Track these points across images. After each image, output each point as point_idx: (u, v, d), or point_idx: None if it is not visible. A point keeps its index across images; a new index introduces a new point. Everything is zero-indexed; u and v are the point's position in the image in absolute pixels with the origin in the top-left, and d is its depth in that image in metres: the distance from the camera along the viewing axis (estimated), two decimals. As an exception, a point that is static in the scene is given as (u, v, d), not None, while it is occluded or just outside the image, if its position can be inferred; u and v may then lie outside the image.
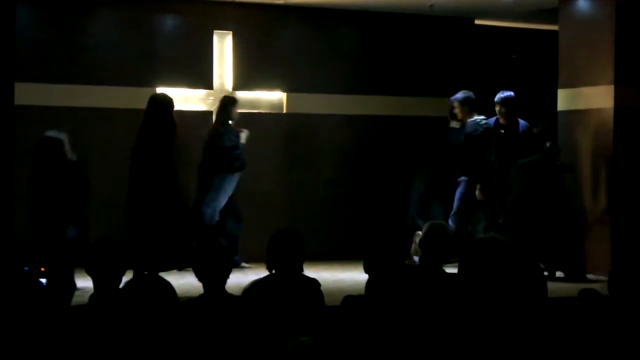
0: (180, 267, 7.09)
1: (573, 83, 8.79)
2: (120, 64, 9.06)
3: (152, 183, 7.25)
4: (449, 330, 3.82)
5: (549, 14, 9.61)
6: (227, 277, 4.32)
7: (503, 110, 8.42)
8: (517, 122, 8.47)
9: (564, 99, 8.84)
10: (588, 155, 8.53)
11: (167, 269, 6.91)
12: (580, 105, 8.67)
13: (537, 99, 10.35)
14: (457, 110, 8.65)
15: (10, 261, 4.90)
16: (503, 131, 8.44)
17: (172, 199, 7.33)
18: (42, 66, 8.88)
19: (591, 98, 8.55)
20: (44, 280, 4.42)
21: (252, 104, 9.52)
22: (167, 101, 7.46)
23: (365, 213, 9.71)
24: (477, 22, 10.42)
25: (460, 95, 8.66)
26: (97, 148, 8.86)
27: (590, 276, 8.07)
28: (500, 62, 11.04)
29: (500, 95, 8.46)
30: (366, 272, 4.59)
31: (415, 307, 4.14)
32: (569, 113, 8.80)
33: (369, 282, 4.20)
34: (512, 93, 8.47)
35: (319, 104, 9.42)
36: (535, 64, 10.99)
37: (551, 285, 7.36)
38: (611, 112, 8.45)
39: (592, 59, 8.65)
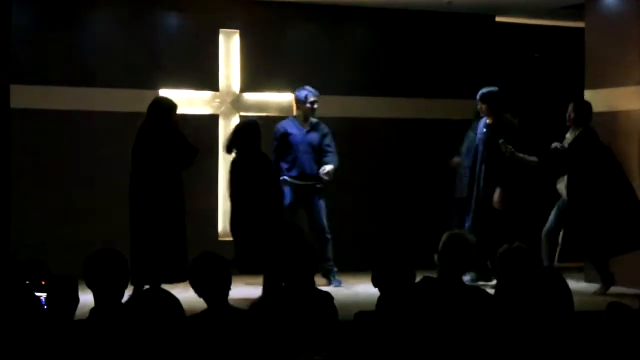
0: (180, 280, 7.07)
1: (600, 83, 8.78)
2: (122, 65, 9.08)
3: (151, 190, 7.35)
4: (469, 345, 3.81)
5: (574, 11, 9.59)
6: (228, 290, 4.29)
7: (483, 107, 8.30)
8: (500, 120, 8.29)
9: (591, 100, 8.81)
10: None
11: (167, 281, 6.92)
12: (608, 107, 8.65)
13: (562, 100, 10.33)
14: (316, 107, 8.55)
15: (8, 274, 4.92)
16: (485, 130, 8.37)
17: (172, 207, 7.38)
18: (40, 68, 8.91)
19: (619, 99, 8.54)
20: (44, 294, 4.44)
21: (259, 106, 9.53)
22: (168, 104, 7.52)
23: (380, 222, 9.72)
24: (497, 19, 10.42)
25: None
26: (98, 152, 8.90)
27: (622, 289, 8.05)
28: (522, 62, 11.02)
29: (480, 91, 8.35)
30: (375, 286, 4.57)
31: (433, 321, 4.14)
32: (595, 115, 8.76)
33: (380, 297, 4.19)
34: (495, 88, 8.35)
35: (330, 106, 9.40)
36: (559, 64, 10.97)
37: (579, 299, 7.38)
38: (640, 115, 8.45)
39: (620, 58, 8.65)
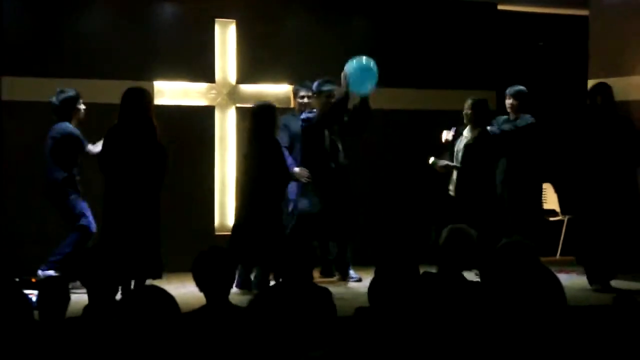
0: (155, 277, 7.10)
1: (604, 73, 8.77)
2: (115, 56, 9.06)
3: (128, 185, 7.19)
4: (467, 342, 3.83)
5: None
6: (231, 286, 4.34)
7: (515, 103, 8.55)
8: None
9: (595, 91, 8.81)
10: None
11: (142, 278, 6.93)
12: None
13: (566, 90, 10.33)
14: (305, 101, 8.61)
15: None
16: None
17: (148, 200, 7.25)
18: (32, 59, 8.90)
19: (624, 89, 8.52)
20: (34, 292, 4.45)
21: (256, 98, 9.44)
22: (145, 94, 7.40)
23: (382, 215, 9.72)
24: (500, 7, 10.40)
25: None
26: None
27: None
28: (525, 51, 11.01)
29: (513, 88, 8.61)
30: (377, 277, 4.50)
31: (433, 317, 4.15)
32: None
33: (377, 290, 4.15)
34: (524, 88, 8.61)
35: (329, 97, 9.40)
36: (563, 53, 10.96)
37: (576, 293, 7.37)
38: (646, 105, 8.45)
39: (625, 47, 8.64)
